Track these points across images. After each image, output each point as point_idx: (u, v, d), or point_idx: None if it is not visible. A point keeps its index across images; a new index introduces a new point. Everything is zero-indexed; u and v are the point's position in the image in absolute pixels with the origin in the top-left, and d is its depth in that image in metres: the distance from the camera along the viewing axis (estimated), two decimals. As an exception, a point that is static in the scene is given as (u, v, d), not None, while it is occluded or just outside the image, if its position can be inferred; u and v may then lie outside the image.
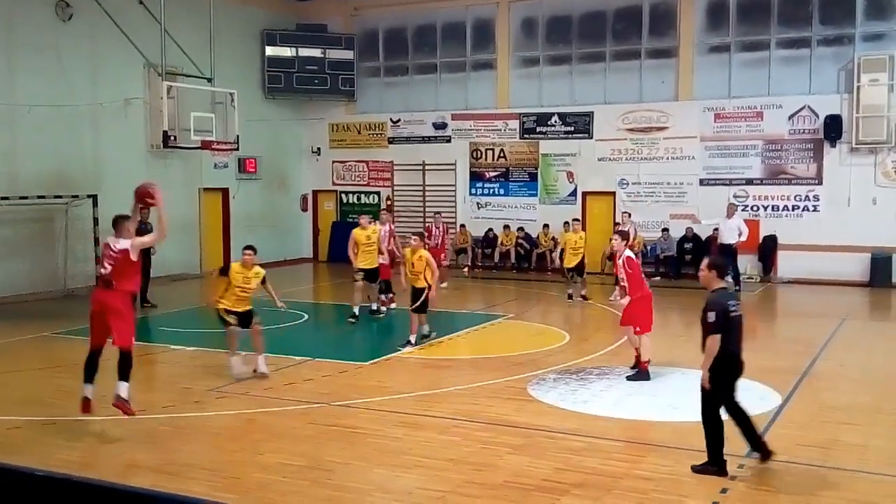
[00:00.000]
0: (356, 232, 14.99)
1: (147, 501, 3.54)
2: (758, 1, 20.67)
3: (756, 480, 7.15)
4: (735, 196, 20.77)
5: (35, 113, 17.56)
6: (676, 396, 9.94)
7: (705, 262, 7.51)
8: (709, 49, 21.29)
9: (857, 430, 8.61)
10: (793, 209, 20.38)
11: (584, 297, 17.21)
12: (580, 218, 20.36)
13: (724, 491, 6.89)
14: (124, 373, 8.45)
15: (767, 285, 20.06)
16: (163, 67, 17.40)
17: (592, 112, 22.20)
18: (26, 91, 17.53)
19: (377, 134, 24.94)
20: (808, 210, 20.24)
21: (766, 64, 20.65)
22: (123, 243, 8.49)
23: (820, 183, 20.09)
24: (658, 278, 20.90)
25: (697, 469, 7.20)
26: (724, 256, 19.04)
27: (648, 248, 21.41)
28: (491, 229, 23.22)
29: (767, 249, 20.50)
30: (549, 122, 22.75)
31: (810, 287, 19.45)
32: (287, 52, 24.27)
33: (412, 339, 12.67)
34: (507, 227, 22.94)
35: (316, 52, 24.43)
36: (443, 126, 24.04)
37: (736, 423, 7.29)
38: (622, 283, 11.10)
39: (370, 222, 15.38)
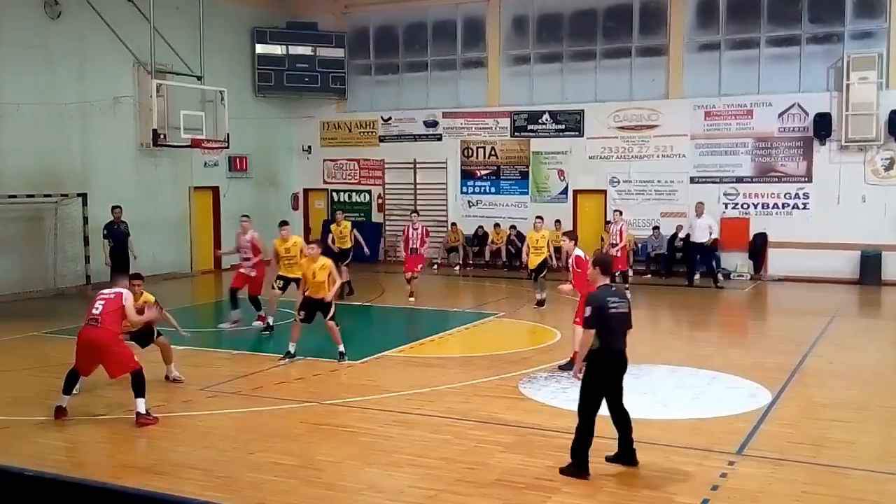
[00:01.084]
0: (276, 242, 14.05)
1: (139, 501, 3.52)
2: (748, -1, 20.75)
3: (747, 478, 7.17)
4: (725, 194, 20.84)
5: (24, 111, 17.46)
6: (666, 394, 9.98)
7: (592, 258, 7.71)
8: (699, 47, 21.34)
9: (848, 427, 8.64)
10: (783, 207, 20.45)
11: (540, 303, 15.85)
12: (567, 219, 20.38)
13: (714, 488, 6.91)
14: (139, 390, 8.71)
15: (758, 283, 20.13)
16: (152, 65, 17.33)
17: (583, 110, 22.23)
18: (15, 89, 17.43)
19: (368, 132, 24.91)
20: (797, 208, 20.31)
21: (755, 62, 20.71)
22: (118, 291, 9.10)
23: (810, 181, 20.17)
24: (649, 276, 20.98)
25: (563, 471, 7.14)
26: (699, 255, 19.43)
27: (639, 245, 21.46)
28: (481, 227, 23.21)
29: (758, 247, 20.57)
30: (539, 121, 22.76)
31: (800, 284, 19.53)
32: (277, 49, 24.21)
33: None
34: (497, 225, 22.94)
35: (306, 50, 24.37)
36: (434, 124, 24.03)
37: (614, 423, 7.28)
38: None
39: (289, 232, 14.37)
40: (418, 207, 24.02)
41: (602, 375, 7.16)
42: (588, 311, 7.19)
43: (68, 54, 18.65)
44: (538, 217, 16.99)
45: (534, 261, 16.02)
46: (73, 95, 18.65)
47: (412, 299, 16.74)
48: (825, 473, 7.34)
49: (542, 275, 16.00)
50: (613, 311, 7.17)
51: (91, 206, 18.26)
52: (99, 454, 7.92)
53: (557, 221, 21.68)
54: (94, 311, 8.81)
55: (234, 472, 7.36)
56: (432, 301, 16.67)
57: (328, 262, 11.76)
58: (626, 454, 7.31)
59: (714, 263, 19.85)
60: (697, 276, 19.91)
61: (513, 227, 22.68)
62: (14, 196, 17.14)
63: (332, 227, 17.80)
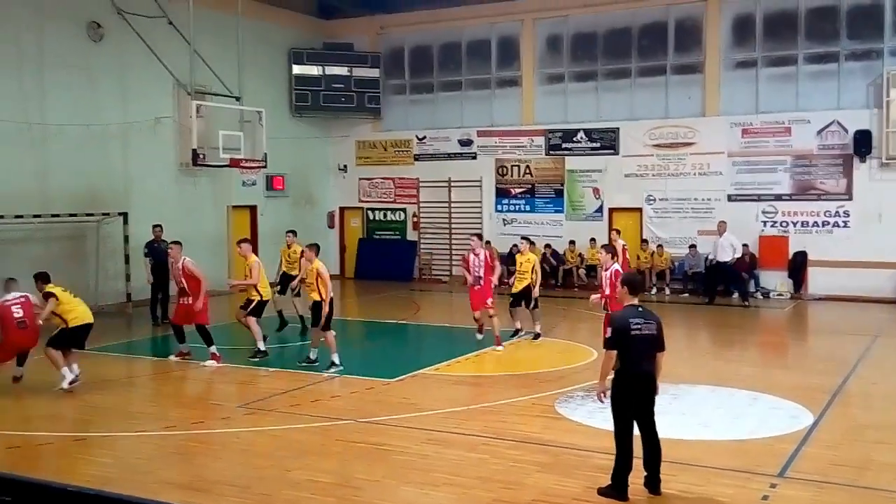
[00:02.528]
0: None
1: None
2: (785, 16, 20.57)
3: (789, 501, 7.04)
4: (764, 212, 20.62)
5: (67, 132, 17.82)
6: (706, 415, 9.86)
7: (621, 276, 7.55)
8: (735, 64, 21.19)
9: (891, 449, 8.47)
10: (823, 225, 20.17)
11: (536, 335, 14.65)
12: (597, 237, 20.18)
13: (756, 511, 6.80)
14: None
15: (798, 302, 19.84)
16: (192, 87, 17.61)
17: (618, 128, 22.16)
18: (59, 110, 17.80)
19: (403, 151, 25.05)
20: (838, 226, 20.02)
21: (793, 79, 20.52)
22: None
23: (850, 198, 19.88)
24: (686, 295, 20.77)
25: (601, 491, 7.05)
26: (721, 274, 19.26)
27: (676, 264, 21.29)
28: (515, 245, 23.13)
29: (797, 266, 20.29)
30: (574, 139, 22.73)
31: (841, 304, 19.20)
32: (314, 70, 24.48)
33: (312, 354, 12.44)
34: (532, 243, 22.85)
35: (343, 71, 24.61)
36: (468, 143, 24.10)
37: (642, 445, 7.12)
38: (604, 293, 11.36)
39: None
40: (453, 225, 24.13)
41: (627, 398, 7.03)
42: (609, 331, 7.10)
43: (110, 76, 19.02)
44: (523, 238, 15.75)
45: (517, 286, 14.67)
46: (115, 116, 19.00)
47: (480, 336, 14.37)
48: (868, 496, 7.19)
49: (522, 303, 14.55)
50: (637, 332, 7.01)
51: (132, 225, 18.54)
52: (139, 471, 8.00)
53: (592, 239, 21.62)
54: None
55: (271, 489, 7.40)
56: (467, 319, 16.62)
57: (317, 266, 12.24)
58: (650, 482, 7.13)
59: (741, 282, 19.68)
60: (736, 295, 19.76)
61: (548, 245, 22.61)
62: (58, 215, 17.46)
63: (282, 249, 15.94)
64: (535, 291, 14.49)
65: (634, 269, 21.31)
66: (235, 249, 14.24)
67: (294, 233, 15.94)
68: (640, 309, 7.20)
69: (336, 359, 12.21)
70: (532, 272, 14.47)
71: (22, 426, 9.41)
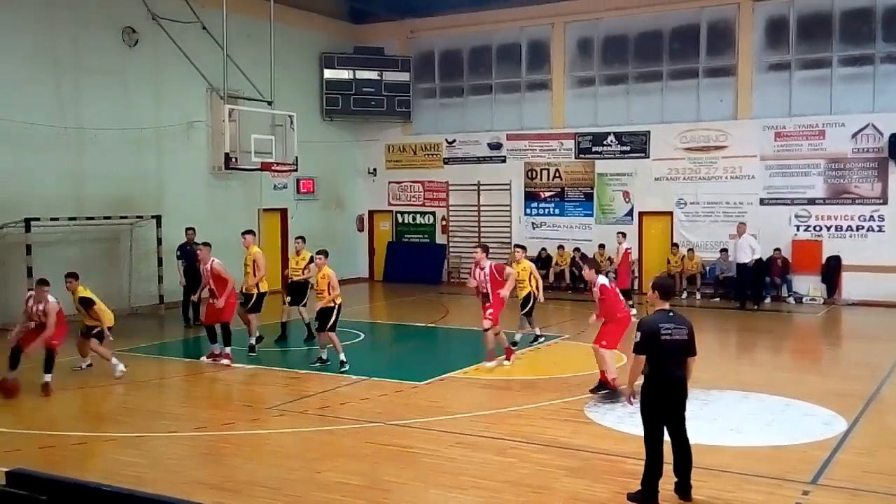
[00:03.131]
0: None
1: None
2: (819, 18, 20.34)
3: (822, 508, 6.96)
4: (797, 216, 20.40)
5: (101, 136, 18.08)
6: (738, 420, 9.77)
7: (652, 281, 7.47)
8: (768, 67, 20.99)
9: (928, 458, 8.33)
10: (857, 229, 19.90)
11: (538, 336, 14.55)
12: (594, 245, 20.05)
13: (788, 518, 6.73)
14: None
15: (831, 307, 19.59)
16: (225, 91, 17.80)
17: (649, 131, 22.03)
18: (93, 115, 18.07)
19: (433, 154, 25.10)
20: (872, 230, 19.74)
21: (827, 82, 20.28)
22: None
23: (885, 202, 19.59)
24: (717, 300, 20.59)
25: (631, 497, 7.00)
26: (741, 276, 19.16)
27: (707, 269, 21.12)
28: (544, 249, 23.12)
29: (831, 270, 20.04)
30: (604, 142, 22.64)
31: (876, 309, 18.93)
32: (345, 74, 24.62)
33: (323, 355, 12.69)
34: (561, 247, 22.82)
35: (373, 75, 24.73)
36: (498, 146, 24.09)
37: (673, 451, 7.04)
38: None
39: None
40: (482, 228, 24.10)
41: (656, 403, 6.98)
42: (638, 336, 7.04)
43: (144, 81, 19.27)
44: (517, 247, 15.24)
45: (519, 295, 14.04)
46: (149, 120, 19.25)
47: (490, 365, 12.73)
48: (905, 505, 7.09)
49: (525, 311, 14.17)
50: (667, 337, 6.95)
51: (165, 228, 18.76)
52: (171, 471, 8.09)
53: (621, 234, 21.05)
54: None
55: (301, 490, 7.45)
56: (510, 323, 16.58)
57: (327, 272, 12.41)
58: (680, 488, 7.06)
59: (759, 285, 19.69)
60: (768, 300, 19.72)
61: (577, 249, 22.54)
62: (92, 218, 17.72)
63: (291, 255, 15.75)
64: (540, 297, 14.24)
65: (665, 273, 21.23)
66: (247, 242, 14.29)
67: (303, 239, 15.35)
68: (670, 314, 7.14)
69: (343, 357, 12.35)
70: (530, 279, 14.06)
71: (56, 426, 9.56)
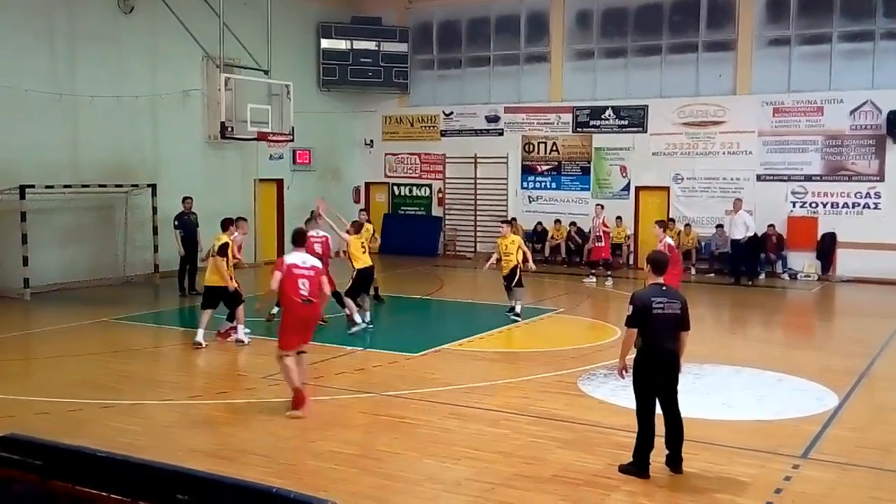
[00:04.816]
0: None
1: (205, 484, 3.61)
2: (820, -7, 20.21)
3: (812, 482, 7.02)
4: (793, 192, 20.40)
5: (97, 104, 17.96)
6: (730, 395, 9.83)
7: (647, 256, 7.56)
8: (768, 42, 20.87)
9: (918, 433, 8.40)
10: (853, 206, 19.90)
11: (511, 310, 14.47)
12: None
13: (778, 491, 6.79)
14: None
15: (826, 284, 19.65)
16: (221, 60, 17.64)
17: (647, 106, 21.95)
18: (88, 82, 17.93)
19: (430, 126, 24.99)
20: (868, 207, 19.74)
21: (827, 57, 20.18)
22: None
23: (882, 180, 19.58)
24: (712, 275, 20.63)
25: (622, 468, 7.08)
26: (738, 252, 19.24)
27: (703, 244, 21.15)
28: (540, 223, 23.11)
29: (826, 247, 20.07)
30: (602, 116, 22.55)
31: (870, 286, 18.99)
32: (342, 44, 24.44)
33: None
34: (558, 221, 22.81)
35: (370, 45, 24.56)
36: (495, 119, 23.99)
37: (665, 424, 7.10)
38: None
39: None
40: (478, 201, 24.07)
41: (647, 376, 7.03)
42: (630, 309, 7.08)
43: (140, 48, 19.12)
44: (504, 222, 15.85)
45: (505, 269, 14.46)
46: (145, 88, 19.11)
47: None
48: (893, 479, 7.15)
49: (514, 282, 14.41)
50: (658, 311, 6.99)
51: (160, 197, 18.70)
52: (165, 438, 8.13)
53: (618, 218, 21.49)
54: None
55: (295, 459, 7.49)
56: (491, 296, 16.63)
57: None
58: (671, 461, 7.13)
59: (753, 262, 19.80)
60: (763, 276, 19.83)
61: (573, 223, 22.53)
62: (87, 186, 17.66)
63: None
64: (530, 265, 14.76)
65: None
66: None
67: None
68: (663, 288, 7.17)
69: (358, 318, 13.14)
70: (517, 252, 14.36)
71: (52, 393, 9.57)
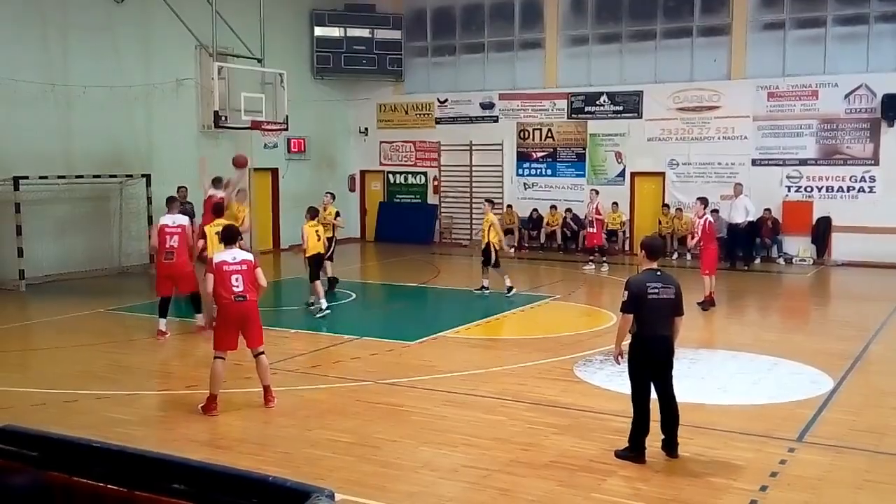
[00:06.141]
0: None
1: (206, 475, 3.61)
2: (814, -23, 20.16)
3: (807, 465, 7.06)
4: (788, 177, 20.41)
5: (90, 93, 17.87)
6: (725, 379, 9.86)
7: (641, 241, 7.54)
8: (762, 26, 20.83)
9: (912, 416, 8.44)
10: (848, 190, 19.92)
11: (484, 288, 15.38)
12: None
13: (773, 475, 6.82)
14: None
15: (821, 267, 19.69)
16: (214, 48, 17.56)
17: (642, 91, 21.91)
18: (81, 72, 17.85)
19: (424, 114, 24.93)
20: (863, 191, 19.77)
21: (821, 41, 20.14)
22: None
23: (876, 163, 19.59)
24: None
25: (618, 454, 7.10)
26: (735, 236, 19.32)
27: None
28: (536, 209, 23.11)
29: (821, 231, 20.10)
30: (597, 102, 22.51)
31: (865, 270, 19.03)
32: (335, 32, 24.34)
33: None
34: (553, 207, 22.80)
35: (364, 33, 24.46)
36: (490, 106, 23.93)
37: (660, 409, 7.13)
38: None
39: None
40: (474, 189, 24.04)
41: (642, 361, 7.06)
42: (625, 295, 7.08)
43: (133, 38, 19.02)
44: (486, 201, 16.61)
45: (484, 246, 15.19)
46: (138, 78, 19.03)
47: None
48: (888, 462, 7.19)
49: (491, 263, 15.00)
50: (653, 297, 6.99)
51: (154, 187, 18.65)
52: (162, 428, 8.14)
53: (615, 203, 21.52)
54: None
55: (291, 447, 7.50)
56: (496, 282, 16.66)
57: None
58: (667, 445, 7.16)
59: (751, 245, 19.94)
60: (758, 260, 19.89)
61: (568, 209, 22.53)
62: (81, 176, 17.60)
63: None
64: (505, 248, 15.26)
65: (655, 234, 21.31)
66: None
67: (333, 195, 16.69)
68: (658, 273, 7.19)
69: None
70: (488, 232, 14.79)
71: (48, 384, 9.57)
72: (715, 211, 20.58)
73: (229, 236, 8.85)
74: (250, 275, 8.57)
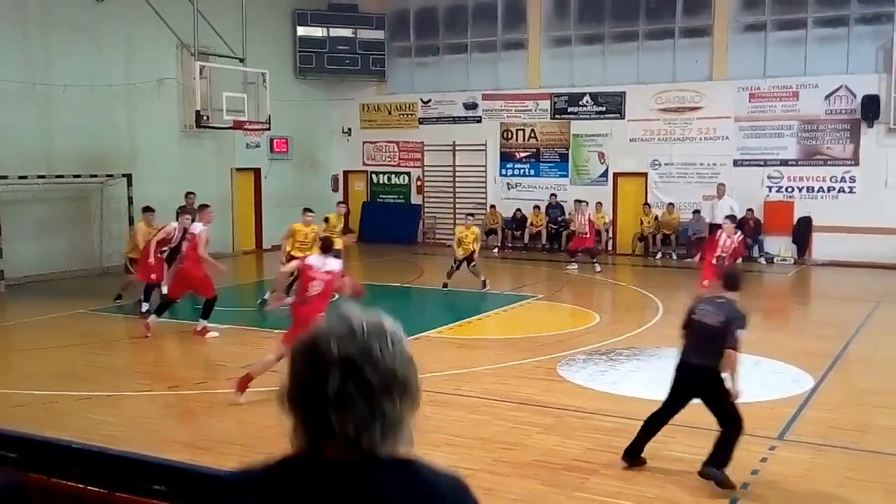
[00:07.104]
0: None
1: (187, 476, 3.59)
2: (795, -22, 20.30)
3: (788, 463, 7.10)
4: (769, 177, 20.54)
5: (71, 93, 17.74)
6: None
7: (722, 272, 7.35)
8: (744, 28, 20.96)
9: (892, 414, 8.52)
10: (828, 190, 20.08)
11: (483, 284, 16.02)
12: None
13: (755, 472, 6.87)
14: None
15: (801, 267, 19.83)
16: (195, 48, 17.49)
17: (625, 92, 21.99)
18: (62, 71, 17.71)
19: (408, 114, 24.91)
20: (843, 192, 19.93)
21: (802, 43, 20.29)
22: None
23: (856, 164, 19.76)
24: (690, 260, 20.73)
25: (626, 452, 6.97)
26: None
27: (681, 229, 21.26)
28: (519, 209, 23.15)
29: (802, 231, 20.25)
30: (580, 103, 22.58)
31: (845, 270, 19.18)
32: (318, 32, 24.28)
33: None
34: (537, 207, 22.85)
35: (347, 33, 24.42)
36: (473, 106, 23.95)
37: (648, 422, 6.89)
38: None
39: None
40: (457, 189, 24.03)
41: (674, 382, 6.76)
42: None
43: (114, 37, 18.89)
44: (469, 215, 17.70)
45: (462, 254, 16.16)
46: (119, 77, 18.91)
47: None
48: (868, 459, 7.25)
49: (472, 265, 16.09)
50: (697, 318, 6.69)
51: (136, 187, 18.53)
52: (144, 429, 8.09)
53: (599, 203, 21.55)
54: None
55: (274, 448, 7.40)
56: (471, 283, 16.68)
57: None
58: (634, 453, 6.94)
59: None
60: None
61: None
62: (62, 176, 17.47)
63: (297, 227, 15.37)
64: (476, 260, 16.12)
65: (638, 233, 21.46)
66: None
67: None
68: (718, 300, 6.74)
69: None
70: (475, 242, 16.09)
71: (28, 385, 9.49)
72: (697, 212, 20.83)
73: (325, 246, 9.69)
74: (331, 284, 9.12)
